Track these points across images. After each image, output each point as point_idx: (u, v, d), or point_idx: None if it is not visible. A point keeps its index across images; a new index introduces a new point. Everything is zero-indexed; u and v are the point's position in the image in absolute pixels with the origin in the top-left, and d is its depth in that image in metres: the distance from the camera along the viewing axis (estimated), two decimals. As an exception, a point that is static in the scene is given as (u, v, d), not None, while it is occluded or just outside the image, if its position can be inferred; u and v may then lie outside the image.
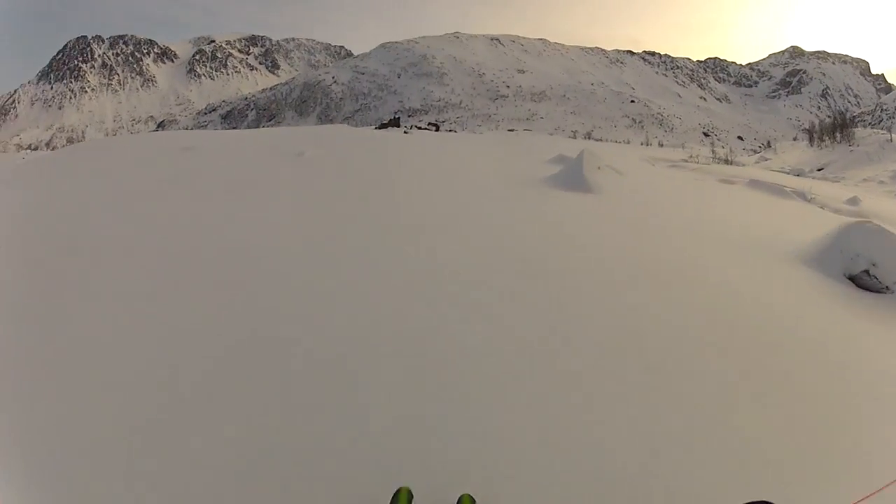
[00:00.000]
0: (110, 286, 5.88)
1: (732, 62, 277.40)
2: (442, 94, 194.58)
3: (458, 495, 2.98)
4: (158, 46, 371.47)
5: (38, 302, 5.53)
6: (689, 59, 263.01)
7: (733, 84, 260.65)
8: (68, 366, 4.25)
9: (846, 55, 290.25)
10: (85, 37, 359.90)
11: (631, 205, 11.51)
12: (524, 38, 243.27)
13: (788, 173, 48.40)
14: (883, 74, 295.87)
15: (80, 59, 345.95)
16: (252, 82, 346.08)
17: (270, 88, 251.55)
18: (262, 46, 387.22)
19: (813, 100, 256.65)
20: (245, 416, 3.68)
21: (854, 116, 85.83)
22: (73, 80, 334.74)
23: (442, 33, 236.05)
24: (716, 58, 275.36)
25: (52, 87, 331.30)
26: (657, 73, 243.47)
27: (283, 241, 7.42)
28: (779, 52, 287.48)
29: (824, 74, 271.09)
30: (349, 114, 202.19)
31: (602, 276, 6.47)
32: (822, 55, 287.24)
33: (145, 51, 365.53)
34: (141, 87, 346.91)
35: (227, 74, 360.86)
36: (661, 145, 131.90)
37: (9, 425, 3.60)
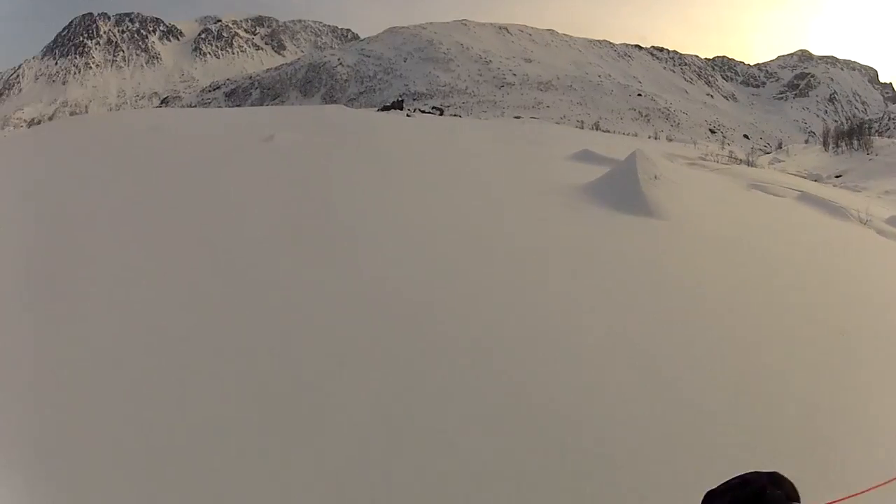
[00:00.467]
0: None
1: (741, 62, 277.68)
2: (448, 80, 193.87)
3: None
4: (164, 24, 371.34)
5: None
6: (698, 57, 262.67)
7: (741, 83, 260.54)
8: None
9: (855, 62, 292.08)
10: (91, 14, 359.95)
11: (717, 240, 8.91)
12: (532, 28, 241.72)
13: (806, 178, 48.10)
14: (891, 83, 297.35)
15: (86, 35, 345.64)
16: (257, 62, 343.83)
17: (276, 68, 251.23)
18: (268, 27, 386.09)
19: (820, 103, 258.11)
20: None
21: (862, 123, 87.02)
22: (77, 56, 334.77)
23: (450, 20, 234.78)
24: (724, 57, 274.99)
25: (56, 63, 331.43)
26: (665, 68, 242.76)
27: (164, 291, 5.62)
28: (787, 55, 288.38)
29: (832, 79, 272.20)
30: (353, 95, 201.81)
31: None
32: (830, 60, 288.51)
33: (151, 28, 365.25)
34: (146, 63, 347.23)
35: (233, 53, 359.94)
36: (670, 140, 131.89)
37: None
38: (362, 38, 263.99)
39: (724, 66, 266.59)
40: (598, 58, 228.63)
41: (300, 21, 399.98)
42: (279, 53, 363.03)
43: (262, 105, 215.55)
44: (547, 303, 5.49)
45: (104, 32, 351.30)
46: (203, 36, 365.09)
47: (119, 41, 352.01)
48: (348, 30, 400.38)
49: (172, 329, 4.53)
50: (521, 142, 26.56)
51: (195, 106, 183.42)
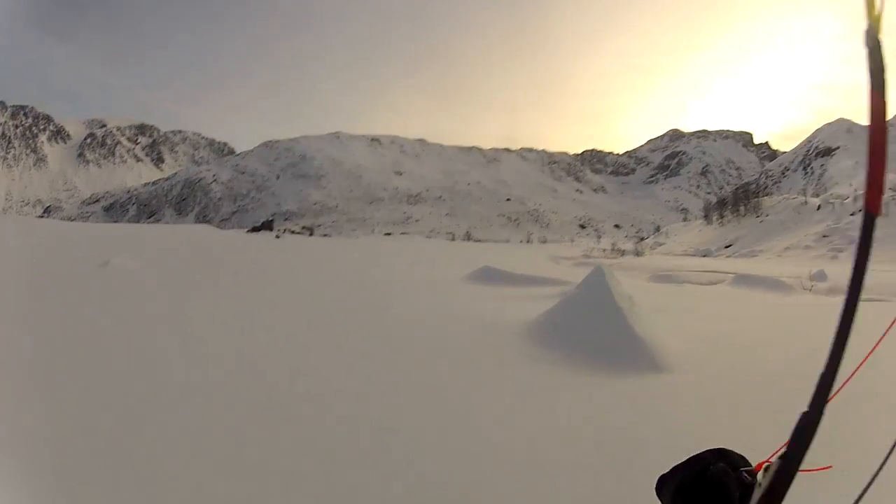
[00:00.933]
0: None
1: (610, 152, 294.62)
2: (319, 197, 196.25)
3: None
4: (54, 124, 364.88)
5: None
6: (567, 153, 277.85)
7: (610, 174, 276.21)
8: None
9: (728, 130, 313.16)
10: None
11: (757, 386, 5.70)
12: (403, 138, 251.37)
13: (694, 255, 48.53)
14: (767, 142, 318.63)
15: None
16: (136, 174, 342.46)
17: (153, 183, 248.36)
18: (149, 136, 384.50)
19: (692, 179, 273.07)
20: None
21: (746, 188, 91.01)
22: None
23: (324, 132, 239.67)
24: (594, 149, 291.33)
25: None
26: (533, 169, 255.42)
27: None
28: (658, 137, 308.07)
29: (704, 153, 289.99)
30: (226, 215, 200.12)
31: None
32: (702, 134, 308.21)
33: (42, 127, 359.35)
34: (34, 165, 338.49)
35: (114, 164, 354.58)
36: (544, 241, 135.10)
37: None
38: (238, 152, 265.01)
39: (593, 159, 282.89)
40: (468, 165, 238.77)
41: (180, 132, 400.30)
42: (157, 167, 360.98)
43: (138, 222, 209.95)
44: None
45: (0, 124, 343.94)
46: (88, 141, 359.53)
47: (13, 136, 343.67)
48: (225, 143, 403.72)
49: None
50: (401, 263, 25.76)
51: (74, 219, 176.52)
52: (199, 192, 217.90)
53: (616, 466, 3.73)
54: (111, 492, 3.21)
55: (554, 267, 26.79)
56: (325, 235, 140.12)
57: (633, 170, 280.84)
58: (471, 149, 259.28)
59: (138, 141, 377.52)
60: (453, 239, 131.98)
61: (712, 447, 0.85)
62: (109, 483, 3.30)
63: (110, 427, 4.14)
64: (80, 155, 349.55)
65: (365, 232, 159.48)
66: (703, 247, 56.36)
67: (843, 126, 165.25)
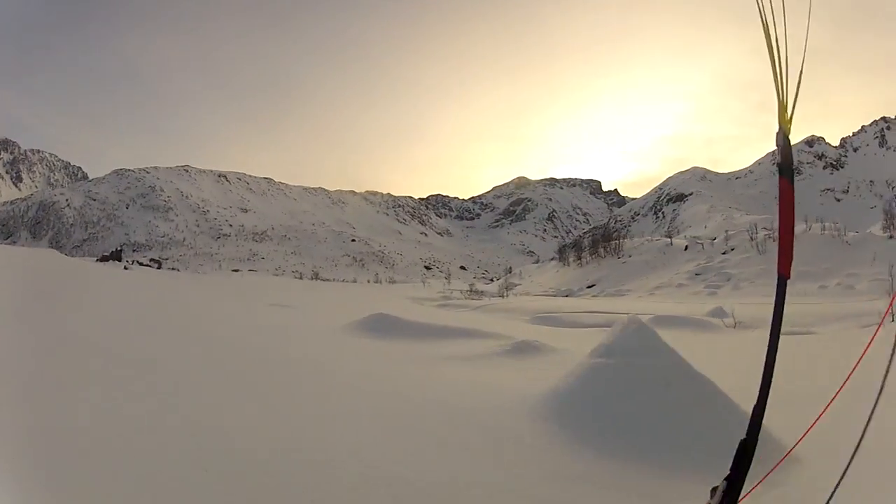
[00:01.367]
0: None
1: (455, 197, 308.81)
2: (167, 230, 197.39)
3: None
4: None
5: None
6: (412, 198, 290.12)
7: (455, 218, 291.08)
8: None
9: (576, 178, 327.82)
10: None
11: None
12: (250, 175, 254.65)
13: (556, 296, 46.69)
14: (616, 189, 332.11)
15: None
16: None
17: (10, 202, 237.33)
18: (11, 153, 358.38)
19: (538, 224, 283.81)
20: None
21: (585, 233, 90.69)
22: None
23: (174, 164, 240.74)
24: (439, 194, 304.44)
25: None
26: (378, 211, 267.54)
27: None
28: (503, 184, 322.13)
29: (551, 199, 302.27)
30: (78, 242, 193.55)
31: None
32: (549, 182, 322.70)
33: None
34: None
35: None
36: (393, 282, 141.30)
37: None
38: (91, 178, 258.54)
39: (438, 204, 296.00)
40: (313, 205, 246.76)
41: (39, 152, 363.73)
42: (16, 185, 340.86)
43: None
44: None
45: None
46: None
47: None
48: (79, 168, 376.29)
49: None
50: (259, 304, 22.75)
51: None
52: (53, 216, 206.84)
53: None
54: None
55: (435, 311, 24.76)
56: (172, 269, 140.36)
57: (479, 214, 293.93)
58: (316, 190, 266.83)
59: (0, 156, 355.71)
60: (300, 278, 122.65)
61: None
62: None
63: None
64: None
65: (212, 267, 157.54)
66: (564, 287, 54.28)
67: (698, 174, 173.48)
